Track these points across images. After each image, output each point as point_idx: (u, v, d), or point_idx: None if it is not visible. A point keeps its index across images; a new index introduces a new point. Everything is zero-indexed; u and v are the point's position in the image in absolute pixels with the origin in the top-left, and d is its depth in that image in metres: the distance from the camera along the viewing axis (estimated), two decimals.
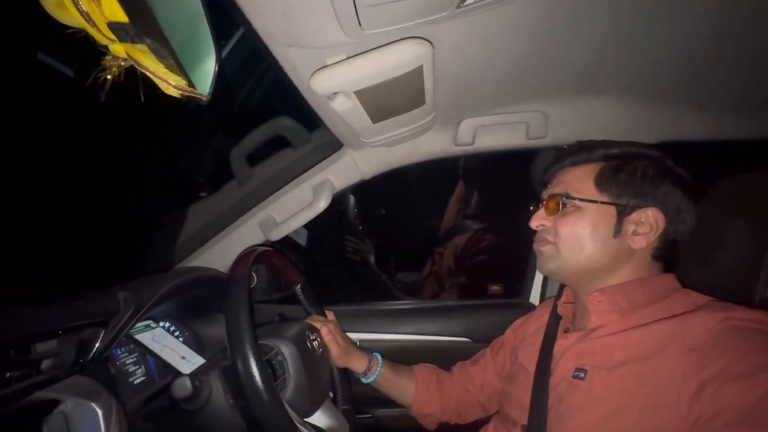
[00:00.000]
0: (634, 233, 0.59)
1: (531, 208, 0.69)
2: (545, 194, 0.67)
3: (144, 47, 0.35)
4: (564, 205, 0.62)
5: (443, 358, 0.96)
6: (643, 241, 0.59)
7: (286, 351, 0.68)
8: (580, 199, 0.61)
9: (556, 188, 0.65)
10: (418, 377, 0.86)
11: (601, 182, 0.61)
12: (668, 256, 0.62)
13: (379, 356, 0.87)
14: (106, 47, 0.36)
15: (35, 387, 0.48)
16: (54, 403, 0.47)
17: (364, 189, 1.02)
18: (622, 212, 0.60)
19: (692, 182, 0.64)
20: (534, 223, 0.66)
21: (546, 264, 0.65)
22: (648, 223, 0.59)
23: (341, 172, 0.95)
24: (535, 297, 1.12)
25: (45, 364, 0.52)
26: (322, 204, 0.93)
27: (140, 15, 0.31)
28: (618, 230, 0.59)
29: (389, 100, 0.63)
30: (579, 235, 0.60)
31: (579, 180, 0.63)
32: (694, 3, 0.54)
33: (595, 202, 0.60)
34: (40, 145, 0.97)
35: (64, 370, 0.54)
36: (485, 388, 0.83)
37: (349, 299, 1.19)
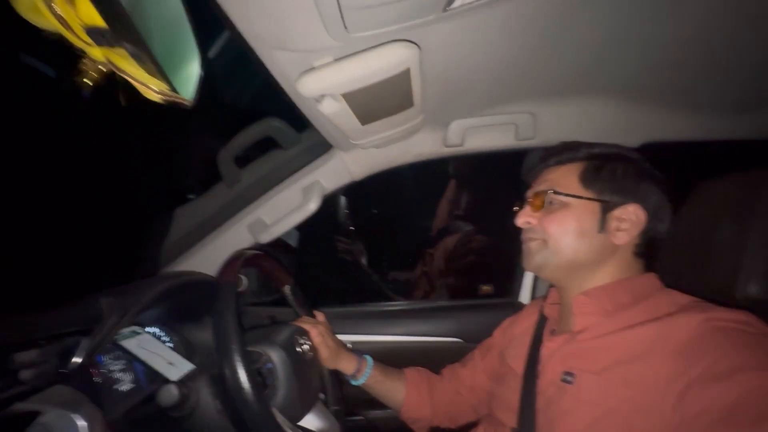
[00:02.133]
0: (617, 229, 0.61)
1: (515, 208, 0.69)
2: (530, 192, 0.68)
3: (123, 51, 0.34)
4: (550, 201, 0.64)
5: (434, 358, 0.97)
6: (626, 237, 0.61)
7: (276, 357, 0.68)
8: (566, 195, 0.63)
9: (541, 186, 0.66)
10: (408, 380, 0.86)
11: (585, 179, 0.63)
12: (648, 252, 0.64)
13: (369, 358, 0.86)
14: (83, 51, 0.35)
15: (15, 398, 0.47)
16: (34, 415, 0.46)
17: (355, 189, 1.02)
18: (606, 208, 0.62)
19: (672, 183, 0.66)
20: (520, 221, 0.66)
21: (533, 259, 0.65)
22: (630, 220, 0.61)
23: (331, 174, 0.94)
24: (525, 297, 1.13)
25: (25, 374, 0.51)
26: (312, 206, 0.92)
27: (117, 19, 0.31)
28: (602, 225, 0.61)
29: (377, 103, 0.63)
30: (566, 231, 0.62)
31: (564, 177, 0.65)
32: (680, 5, 0.55)
33: (581, 197, 0.62)
34: (21, 149, 0.94)
35: (46, 380, 0.52)
36: (475, 389, 0.83)
37: (340, 300, 1.19)
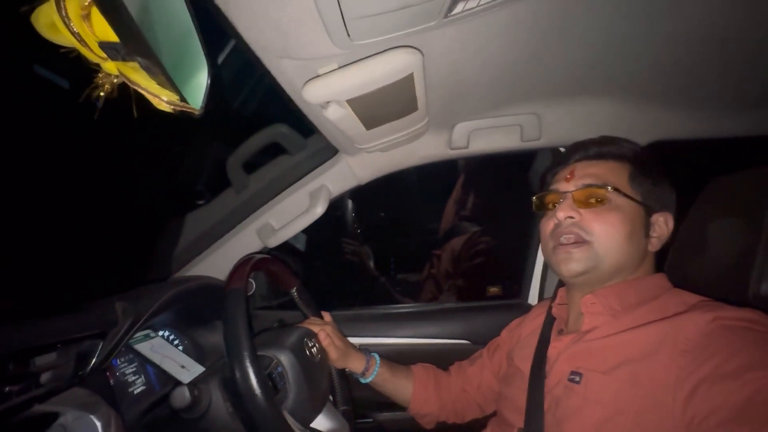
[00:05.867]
0: (651, 235, 0.61)
1: (535, 198, 0.66)
2: (570, 184, 0.61)
3: (135, 65, 0.36)
4: (602, 198, 0.58)
5: (443, 360, 0.96)
6: (658, 244, 0.61)
7: (286, 361, 0.69)
8: (624, 195, 0.58)
9: (587, 179, 0.60)
10: (416, 377, 0.87)
11: (635, 181, 0.61)
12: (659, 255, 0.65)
13: (377, 356, 0.87)
14: (98, 65, 0.37)
15: (35, 400, 0.49)
16: (53, 416, 0.47)
17: (362, 192, 1.03)
18: (648, 213, 0.61)
19: (682, 181, 0.66)
20: (562, 214, 0.59)
21: (578, 265, 0.58)
22: (662, 227, 0.61)
23: (337, 178, 0.95)
24: (533, 298, 1.12)
25: (44, 377, 0.52)
26: (319, 210, 0.93)
27: (130, 35, 0.32)
28: (647, 231, 0.61)
29: (382, 108, 0.64)
30: (618, 233, 0.57)
31: (614, 175, 0.60)
32: (684, 4, 0.55)
33: (632, 199, 0.59)
34: (37, 157, 0.98)
35: (64, 383, 0.54)
36: (482, 388, 0.84)
37: (348, 303, 1.20)
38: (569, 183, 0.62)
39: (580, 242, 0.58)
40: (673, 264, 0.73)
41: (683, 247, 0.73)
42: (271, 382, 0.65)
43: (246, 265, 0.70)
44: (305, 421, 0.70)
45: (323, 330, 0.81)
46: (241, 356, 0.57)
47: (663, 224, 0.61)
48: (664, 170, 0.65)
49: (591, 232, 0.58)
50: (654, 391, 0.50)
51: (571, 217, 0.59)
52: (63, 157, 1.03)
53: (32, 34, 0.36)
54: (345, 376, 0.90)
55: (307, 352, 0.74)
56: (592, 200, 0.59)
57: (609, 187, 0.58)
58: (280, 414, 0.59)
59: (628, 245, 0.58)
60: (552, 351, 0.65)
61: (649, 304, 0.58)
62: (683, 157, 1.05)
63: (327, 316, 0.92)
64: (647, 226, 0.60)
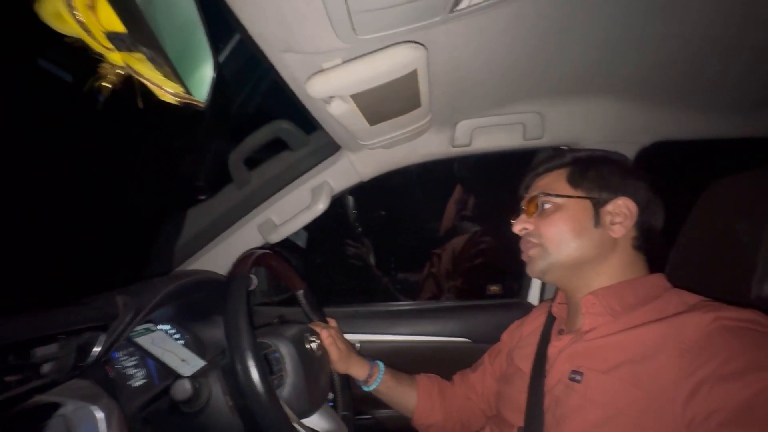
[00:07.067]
0: (612, 223, 0.63)
1: (512, 220, 0.71)
2: (524, 201, 0.70)
3: (141, 56, 0.36)
4: (542, 205, 0.66)
5: (443, 358, 0.97)
6: (622, 229, 0.62)
7: (284, 349, 0.69)
8: (556, 196, 0.65)
9: (532, 192, 0.69)
10: (420, 386, 0.86)
11: (573, 181, 0.66)
12: (648, 245, 0.65)
13: (381, 364, 0.86)
14: (103, 55, 0.37)
15: (35, 391, 0.49)
16: (54, 407, 0.47)
17: (364, 190, 1.03)
18: (597, 204, 0.63)
19: (684, 181, 0.66)
20: (517, 227, 0.68)
21: (536, 265, 0.66)
22: (622, 213, 0.63)
23: (339, 175, 0.95)
24: (534, 297, 1.12)
25: (45, 368, 0.52)
26: (321, 206, 0.93)
27: (137, 25, 0.32)
28: (597, 221, 0.63)
29: (385, 104, 0.64)
30: (562, 231, 0.63)
31: (553, 182, 0.67)
32: (687, 4, 0.55)
33: (570, 197, 0.64)
34: (38, 151, 0.97)
35: (65, 374, 0.54)
36: (485, 394, 0.83)
37: (348, 300, 1.20)
38: (525, 200, 0.71)
39: (536, 245, 0.66)
40: (674, 265, 0.73)
41: (684, 248, 0.73)
42: (266, 363, 0.64)
43: (251, 256, 0.70)
44: (301, 413, 0.69)
45: (326, 330, 0.81)
46: (240, 338, 0.57)
47: (623, 208, 0.63)
48: (607, 160, 0.68)
49: (541, 236, 0.65)
50: (654, 392, 0.49)
51: (525, 229, 0.67)
52: (64, 151, 1.03)
53: (35, 25, 0.36)
54: (347, 380, 0.89)
55: (307, 346, 0.74)
56: (535, 209, 0.66)
57: (542, 194, 0.66)
58: (278, 401, 0.59)
59: (576, 238, 0.63)
60: (552, 350, 0.65)
61: (650, 304, 0.58)
62: (686, 158, 1.05)
63: (332, 321, 0.91)
64: (597, 216, 0.63)
